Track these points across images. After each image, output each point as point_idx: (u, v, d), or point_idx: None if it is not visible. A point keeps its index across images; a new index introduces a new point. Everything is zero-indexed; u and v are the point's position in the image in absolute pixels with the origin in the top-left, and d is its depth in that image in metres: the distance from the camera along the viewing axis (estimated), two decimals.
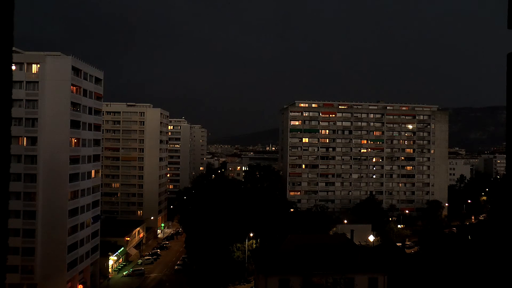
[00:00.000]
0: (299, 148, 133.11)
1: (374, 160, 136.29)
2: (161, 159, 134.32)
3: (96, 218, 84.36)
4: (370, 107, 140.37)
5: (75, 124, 74.28)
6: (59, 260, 70.03)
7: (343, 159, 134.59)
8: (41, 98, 70.33)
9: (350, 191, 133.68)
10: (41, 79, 70.65)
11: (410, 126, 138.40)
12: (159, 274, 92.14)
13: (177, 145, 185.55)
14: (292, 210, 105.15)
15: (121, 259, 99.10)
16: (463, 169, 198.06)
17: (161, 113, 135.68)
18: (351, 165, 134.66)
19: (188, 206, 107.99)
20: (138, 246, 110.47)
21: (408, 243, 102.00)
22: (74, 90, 74.49)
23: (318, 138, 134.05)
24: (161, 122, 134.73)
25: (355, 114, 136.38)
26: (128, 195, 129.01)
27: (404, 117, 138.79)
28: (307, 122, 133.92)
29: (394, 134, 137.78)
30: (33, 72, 71.04)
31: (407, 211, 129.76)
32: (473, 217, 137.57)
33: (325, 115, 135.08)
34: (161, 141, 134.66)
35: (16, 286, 67.07)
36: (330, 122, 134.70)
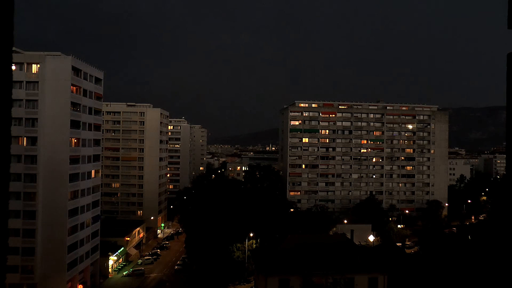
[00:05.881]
0: (299, 148, 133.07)
1: (374, 160, 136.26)
2: (161, 159, 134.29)
3: (96, 218, 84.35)
4: (370, 107, 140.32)
5: (75, 124, 74.27)
6: (59, 260, 70.03)
7: (343, 159, 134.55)
8: (41, 98, 70.32)
9: (350, 191, 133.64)
10: (41, 79, 70.64)
11: (410, 126, 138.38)
12: (159, 274, 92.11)
13: (177, 145, 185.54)
14: (292, 210, 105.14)
15: (121, 259, 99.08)
16: (463, 169, 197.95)
17: (161, 113, 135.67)
18: (351, 165, 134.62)
19: (188, 206, 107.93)
20: (138, 246, 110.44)
21: (408, 243, 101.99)
22: (74, 90, 74.48)
23: (318, 138, 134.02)
24: (161, 122, 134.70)
25: (355, 114, 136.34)
26: (128, 195, 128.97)
27: (404, 117, 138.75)
28: (307, 122, 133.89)
29: (394, 134, 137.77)
30: (33, 72, 71.03)
31: (407, 211, 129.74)
32: (473, 217, 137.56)
33: (325, 115, 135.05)
34: (161, 141, 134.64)
35: (16, 286, 67.05)
36: (330, 122, 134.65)
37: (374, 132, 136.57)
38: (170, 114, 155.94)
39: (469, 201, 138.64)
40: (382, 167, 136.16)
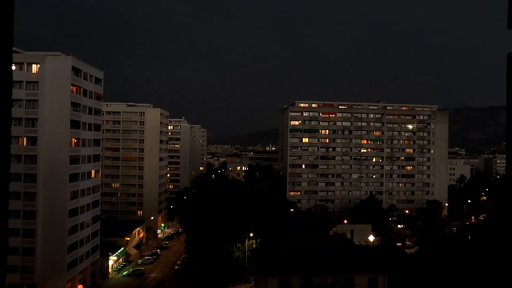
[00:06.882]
0: (299, 148, 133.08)
1: (374, 160, 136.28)
2: (161, 159, 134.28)
3: (96, 218, 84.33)
4: (370, 107, 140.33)
5: (75, 124, 74.25)
6: (59, 260, 70.02)
7: (343, 159, 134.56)
8: (41, 98, 70.29)
9: (350, 191, 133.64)
10: (41, 79, 70.61)
11: (410, 126, 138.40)
12: (159, 274, 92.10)
13: (177, 145, 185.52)
14: (292, 210, 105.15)
15: (121, 259, 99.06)
16: (463, 169, 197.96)
17: (161, 113, 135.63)
18: (351, 165, 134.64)
19: (188, 206, 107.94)
20: (138, 246, 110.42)
21: (408, 243, 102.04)
22: (74, 90, 74.46)
23: (318, 138, 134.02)
24: (161, 122, 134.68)
25: (355, 114, 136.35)
26: (128, 195, 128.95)
27: (404, 117, 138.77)
28: (307, 122, 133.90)
29: (394, 134, 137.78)
30: (33, 72, 70.99)
31: (407, 211, 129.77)
32: (473, 217, 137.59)
33: (325, 115, 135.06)
34: (161, 141, 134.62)
35: (16, 286, 67.05)
36: (330, 122, 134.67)
37: (374, 132, 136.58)
38: (170, 114, 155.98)
39: (469, 201, 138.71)
40: (382, 167, 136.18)
